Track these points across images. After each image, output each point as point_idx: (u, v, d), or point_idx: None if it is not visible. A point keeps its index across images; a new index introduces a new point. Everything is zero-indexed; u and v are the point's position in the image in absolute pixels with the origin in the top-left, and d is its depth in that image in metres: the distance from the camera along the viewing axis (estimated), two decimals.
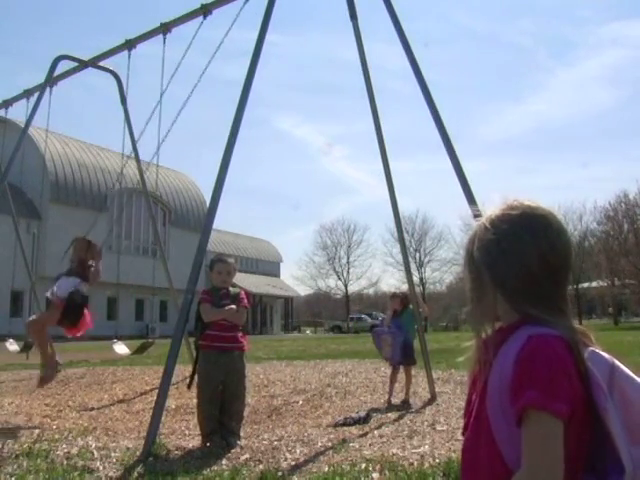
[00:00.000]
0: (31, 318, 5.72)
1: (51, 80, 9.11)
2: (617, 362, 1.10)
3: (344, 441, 4.35)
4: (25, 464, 3.89)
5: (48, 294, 5.51)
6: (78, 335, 5.72)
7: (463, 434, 1.21)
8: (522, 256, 1.13)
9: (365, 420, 5.30)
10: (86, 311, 5.58)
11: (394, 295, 6.96)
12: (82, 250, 5.71)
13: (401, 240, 8.09)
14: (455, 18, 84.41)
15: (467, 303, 1.23)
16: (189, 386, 4.84)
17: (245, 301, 4.83)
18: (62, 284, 5.49)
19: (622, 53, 78.66)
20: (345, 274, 56.15)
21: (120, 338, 10.43)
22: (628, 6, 77.57)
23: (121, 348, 9.85)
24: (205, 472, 3.69)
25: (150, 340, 9.92)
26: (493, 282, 1.15)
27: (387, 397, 6.39)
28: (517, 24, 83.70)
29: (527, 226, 1.15)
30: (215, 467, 3.79)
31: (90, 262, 5.72)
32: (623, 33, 75.13)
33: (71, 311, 5.39)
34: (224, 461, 3.93)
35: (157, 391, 4.80)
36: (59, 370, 5.85)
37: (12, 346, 12.51)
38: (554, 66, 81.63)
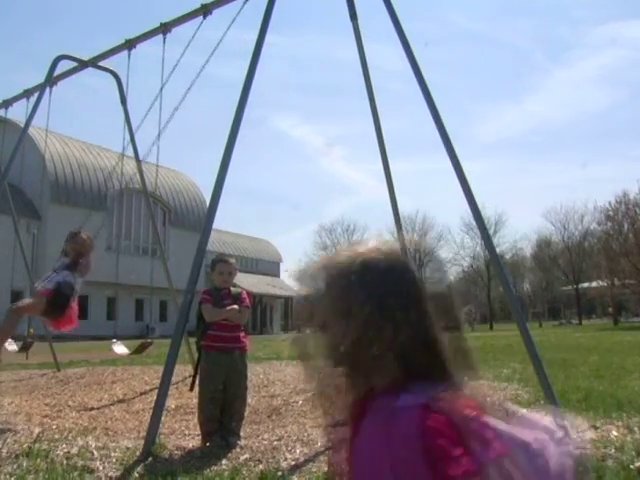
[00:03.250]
0: (15, 304, 5.65)
1: (51, 80, 9.10)
2: None
3: None
4: (25, 464, 3.88)
5: (37, 285, 5.52)
6: (62, 330, 5.65)
7: None
8: None
9: None
10: (74, 306, 5.47)
11: None
12: (75, 243, 5.67)
13: (401, 240, 8.06)
14: (453, 19, 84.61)
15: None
16: (191, 387, 4.83)
17: (247, 301, 4.83)
18: (52, 277, 5.48)
19: (619, 53, 78.99)
20: None
21: (120, 338, 10.49)
22: (625, 7, 77.79)
23: (120, 348, 9.91)
24: (205, 472, 3.68)
25: (149, 340, 9.96)
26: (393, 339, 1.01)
27: None
28: (514, 25, 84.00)
29: None
30: (215, 467, 3.79)
31: (82, 255, 5.66)
32: (620, 34, 75.34)
33: (57, 302, 5.30)
34: (224, 461, 3.93)
35: (157, 391, 4.80)
36: None
37: (11, 346, 12.58)
38: (551, 67, 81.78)
